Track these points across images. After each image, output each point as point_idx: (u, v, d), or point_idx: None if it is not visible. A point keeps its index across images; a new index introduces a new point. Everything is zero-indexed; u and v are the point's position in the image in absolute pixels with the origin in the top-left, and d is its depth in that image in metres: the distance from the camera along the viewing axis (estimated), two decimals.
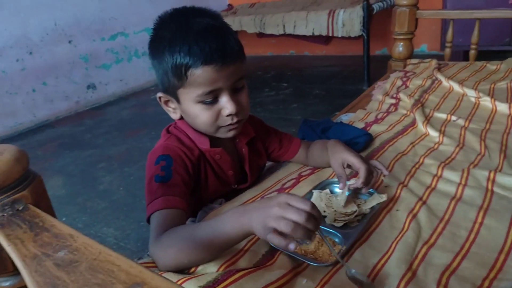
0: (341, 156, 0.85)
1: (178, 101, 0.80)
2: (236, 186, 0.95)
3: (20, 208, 0.53)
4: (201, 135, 0.85)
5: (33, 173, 0.59)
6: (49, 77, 3.16)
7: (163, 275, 0.67)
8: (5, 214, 0.52)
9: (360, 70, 3.24)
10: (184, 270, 0.69)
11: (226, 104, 0.76)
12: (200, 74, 0.72)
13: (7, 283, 0.55)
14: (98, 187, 2.09)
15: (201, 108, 0.77)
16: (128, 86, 3.74)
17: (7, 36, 2.85)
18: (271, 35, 3.73)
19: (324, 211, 0.81)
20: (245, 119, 0.83)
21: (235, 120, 0.78)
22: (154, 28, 0.78)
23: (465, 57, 3.06)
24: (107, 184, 2.12)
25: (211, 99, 0.76)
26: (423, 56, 2.13)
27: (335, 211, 0.80)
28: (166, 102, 0.85)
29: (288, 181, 0.98)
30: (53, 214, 0.60)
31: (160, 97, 0.84)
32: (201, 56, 0.70)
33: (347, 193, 0.82)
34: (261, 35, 3.99)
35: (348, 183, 0.83)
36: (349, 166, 0.85)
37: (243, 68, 0.78)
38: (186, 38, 0.71)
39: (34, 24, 3.00)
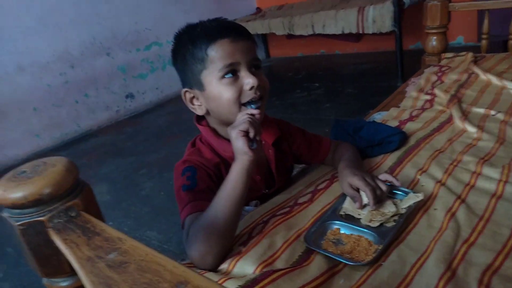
0: (347, 180, 0.86)
1: (202, 88, 0.84)
2: (266, 191, 0.97)
3: (73, 215, 0.57)
4: (224, 141, 0.89)
5: (83, 182, 0.63)
6: (90, 88, 3.32)
7: (205, 274, 0.70)
8: (61, 220, 0.57)
9: (393, 66, 3.17)
10: (220, 268, 0.72)
11: (247, 78, 0.81)
12: (218, 48, 0.80)
13: (65, 283, 0.60)
14: (140, 193, 2.18)
15: (224, 85, 0.81)
16: (164, 94, 3.86)
17: (50, 52, 3.03)
18: (301, 36, 3.73)
19: (359, 214, 0.81)
20: (266, 98, 0.87)
21: (257, 93, 0.82)
22: (175, 37, 0.88)
23: (505, 47, 2.93)
24: (148, 189, 2.20)
25: (232, 73, 0.81)
26: (459, 49, 2.06)
27: (372, 210, 0.80)
28: (191, 100, 0.90)
29: (322, 182, 0.99)
30: (102, 219, 0.65)
31: (185, 93, 0.89)
32: (217, 32, 0.81)
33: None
34: (290, 36, 4.00)
35: (364, 201, 0.83)
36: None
37: (255, 50, 0.86)
38: (203, 27, 0.84)
39: (74, 40, 3.16)
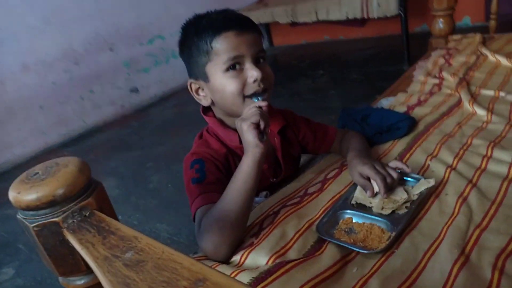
0: (357, 170, 0.86)
1: (207, 79, 0.85)
2: (274, 179, 0.97)
3: (87, 214, 0.58)
4: (230, 131, 0.90)
5: (95, 181, 0.64)
6: (95, 84, 3.32)
7: (218, 267, 0.71)
8: (75, 220, 0.57)
9: (399, 50, 3.13)
10: (232, 260, 0.73)
11: (250, 70, 0.81)
12: (223, 40, 0.80)
13: (81, 281, 0.61)
14: (148, 186, 2.20)
15: (228, 77, 0.81)
16: (168, 87, 3.85)
17: (55, 49, 3.03)
18: (304, 23, 3.69)
19: (370, 202, 0.81)
20: (271, 91, 0.86)
21: (261, 86, 0.82)
22: (182, 28, 0.88)
23: None
24: (156, 182, 2.22)
25: (236, 65, 0.81)
26: (466, 30, 2.02)
27: (383, 198, 0.80)
28: (197, 91, 0.90)
29: (331, 171, 0.99)
30: (115, 217, 0.65)
31: (191, 85, 0.90)
32: (222, 25, 0.80)
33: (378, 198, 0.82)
34: (293, 24, 3.95)
35: (375, 189, 0.82)
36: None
37: (261, 42, 0.85)
38: (209, 19, 0.83)
39: (77, 36, 3.16)
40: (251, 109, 0.76)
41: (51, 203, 0.56)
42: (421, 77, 1.52)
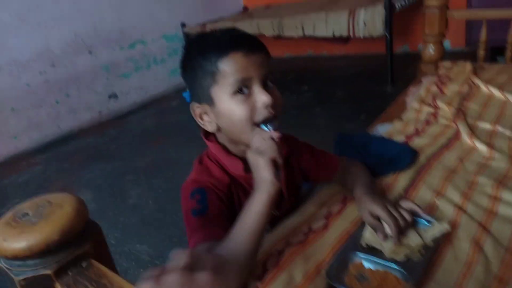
0: (367, 208, 0.82)
1: (212, 104, 0.79)
2: (277, 212, 0.92)
3: (85, 266, 0.51)
4: (234, 159, 0.84)
5: (92, 223, 0.57)
6: (72, 88, 3.18)
7: None
8: (70, 273, 0.50)
9: (382, 70, 3.16)
10: None
11: (260, 94, 0.75)
12: (230, 61, 0.74)
13: None
14: (127, 201, 2.09)
15: (236, 102, 0.75)
16: (149, 94, 3.75)
17: (30, 49, 2.89)
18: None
19: (381, 245, 0.77)
20: (280, 117, 0.80)
21: (271, 112, 0.76)
22: (184, 48, 0.82)
23: (493, 54, 2.96)
24: (136, 197, 2.11)
25: (243, 89, 0.75)
26: (446, 53, 2.02)
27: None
28: (201, 116, 0.83)
29: (334, 204, 0.95)
30: (113, 266, 0.58)
31: (195, 110, 0.83)
32: (229, 45, 0.75)
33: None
34: (277, 36, 3.94)
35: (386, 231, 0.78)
36: None
37: (270, 64, 0.79)
38: (215, 38, 0.78)
39: (55, 37, 3.02)
40: (265, 140, 0.71)
41: (43, 253, 0.49)
42: (415, 104, 1.51)
